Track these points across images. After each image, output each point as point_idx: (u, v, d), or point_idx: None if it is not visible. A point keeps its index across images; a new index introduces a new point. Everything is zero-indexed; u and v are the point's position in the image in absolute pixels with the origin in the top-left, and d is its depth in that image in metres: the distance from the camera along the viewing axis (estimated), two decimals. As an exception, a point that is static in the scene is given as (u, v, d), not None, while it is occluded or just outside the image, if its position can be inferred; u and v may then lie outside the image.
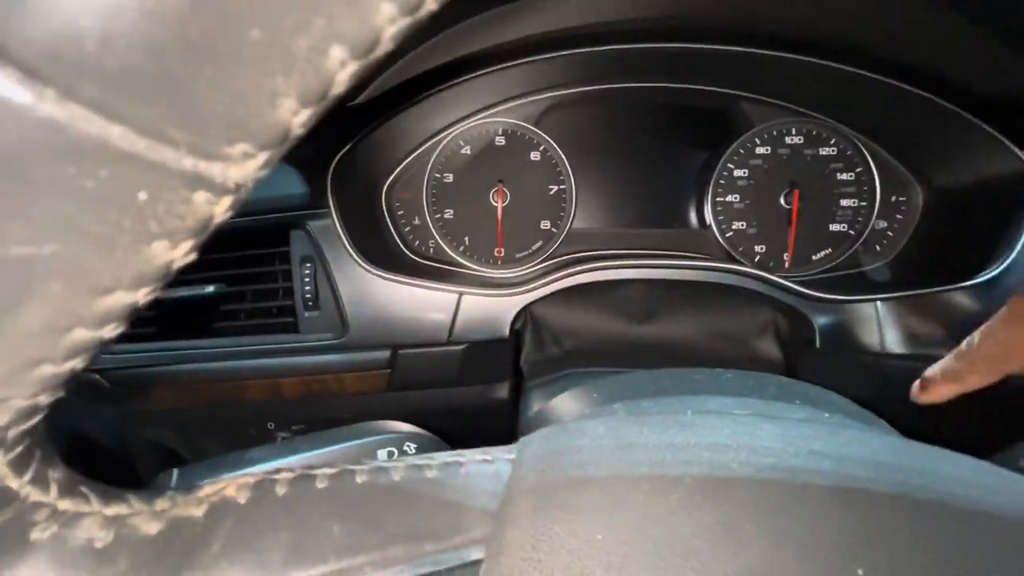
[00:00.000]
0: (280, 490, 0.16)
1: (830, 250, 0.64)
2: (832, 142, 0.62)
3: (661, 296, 0.62)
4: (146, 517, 0.14)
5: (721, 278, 0.58)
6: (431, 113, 0.62)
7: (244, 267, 0.54)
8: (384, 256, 0.58)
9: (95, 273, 0.10)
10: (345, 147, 0.53)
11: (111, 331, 0.11)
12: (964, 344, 0.33)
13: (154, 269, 0.11)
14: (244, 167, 0.10)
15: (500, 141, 0.65)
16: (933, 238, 0.59)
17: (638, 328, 0.62)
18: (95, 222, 0.09)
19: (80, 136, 0.09)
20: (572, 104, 0.65)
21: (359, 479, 0.17)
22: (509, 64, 0.57)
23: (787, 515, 0.15)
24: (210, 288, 0.51)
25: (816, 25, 0.51)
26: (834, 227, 0.63)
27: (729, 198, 0.65)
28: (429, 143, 0.65)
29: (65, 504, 0.14)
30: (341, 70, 0.10)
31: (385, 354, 0.55)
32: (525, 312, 0.60)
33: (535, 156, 0.66)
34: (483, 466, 0.18)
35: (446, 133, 0.65)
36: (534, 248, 0.67)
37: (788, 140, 0.63)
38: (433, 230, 0.66)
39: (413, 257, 0.66)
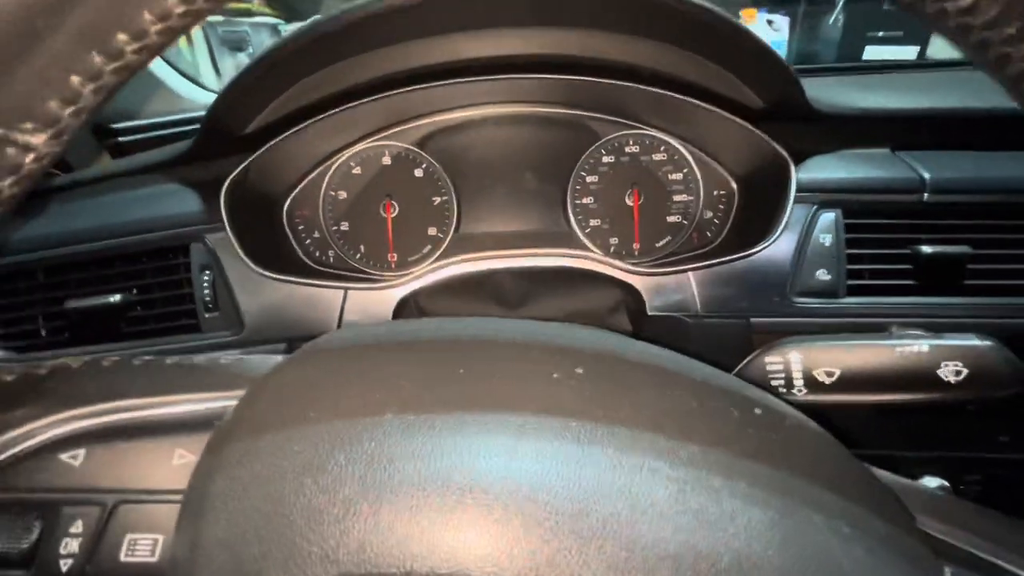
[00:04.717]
0: (105, 363, 0.24)
1: (670, 238, 0.76)
2: (662, 149, 0.75)
3: (532, 284, 0.73)
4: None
5: (579, 264, 0.69)
6: (321, 140, 0.72)
7: (152, 277, 0.61)
8: (281, 263, 0.66)
9: None
10: (235, 170, 0.62)
11: None
12: None
13: None
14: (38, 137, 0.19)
15: (387, 161, 0.75)
16: (743, 222, 0.72)
17: (513, 312, 0.72)
18: None
19: None
20: (449, 128, 0.76)
21: (168, 361, 0.26)
22: (390, 93, 0.67)
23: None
24: (116, 297, 0.57)
25: (640, 60, 0.65)
26: (671, 218, 0.76)
27: (585, 200, 0.76)
28: (322, 166, 0.74)
29: None
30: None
31: (281, 347, 0.62)
32: (413, 304, 0.69)
33: (419, 173, 0.76)
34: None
35: (337, 157, 0.74)
36: (424, 252, 0.76)
37: (628, 149, 0.76)
38: (331, 241, 0.75)
39: (315, 267, 0.74)
